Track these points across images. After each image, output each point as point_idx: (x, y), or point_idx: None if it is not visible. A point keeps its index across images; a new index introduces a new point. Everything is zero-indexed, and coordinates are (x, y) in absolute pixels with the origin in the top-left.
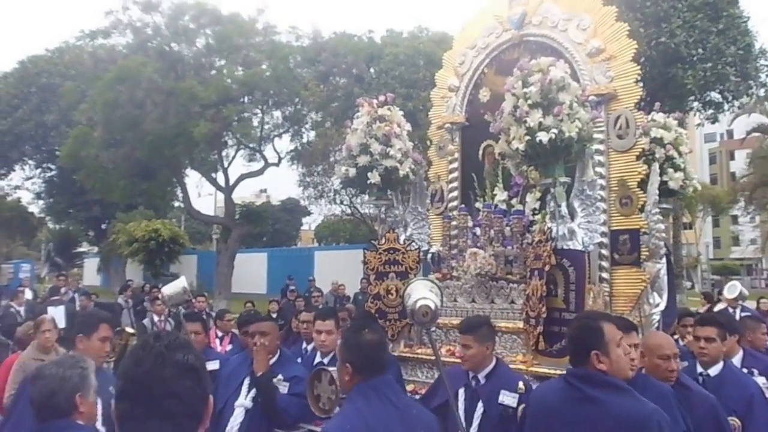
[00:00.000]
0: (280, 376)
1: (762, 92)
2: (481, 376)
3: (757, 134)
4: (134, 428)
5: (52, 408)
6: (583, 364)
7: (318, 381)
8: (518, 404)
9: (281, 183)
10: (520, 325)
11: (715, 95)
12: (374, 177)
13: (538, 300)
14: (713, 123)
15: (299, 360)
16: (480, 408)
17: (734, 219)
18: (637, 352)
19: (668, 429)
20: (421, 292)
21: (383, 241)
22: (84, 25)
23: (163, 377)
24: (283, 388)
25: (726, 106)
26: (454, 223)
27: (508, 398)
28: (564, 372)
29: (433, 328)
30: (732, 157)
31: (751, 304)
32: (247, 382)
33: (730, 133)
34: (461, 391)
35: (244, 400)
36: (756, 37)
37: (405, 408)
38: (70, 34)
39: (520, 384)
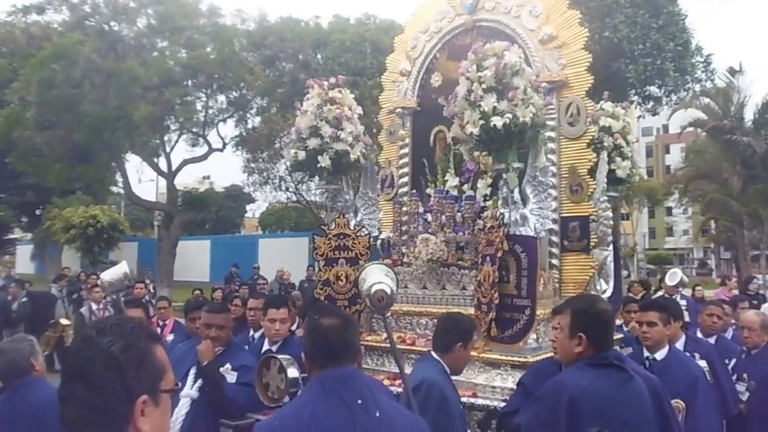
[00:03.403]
0: (228, 365)
1: (698, 88)
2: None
3: (692, 129)
4: (60, 411)
5: (16, 371)
6: (611, 346)
7: (266, 369)
8: None
9: (225, 169)
10: (472, 311)
11: (654, 89)
12: (324, 161)
13: (490, 286)
14: (653, 116)
15: (246, 348)
16: None
17: (669, 210)
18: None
19: None
20: (377, 277)
21: (333, 226)
22: (16, 0)
23: (79, 358)
24: (231, 377)
25: (664, 101)
26: (405, 208)
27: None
28: (533, 359)
29: (388, 314)
30: (668, 151)
31: (686, 292)
32: (193, 371)
33: (666, 128)
34: None
35: (190, 390)
36: (693, 34)
37: (361, 409)
38: (1, 9)
39: None
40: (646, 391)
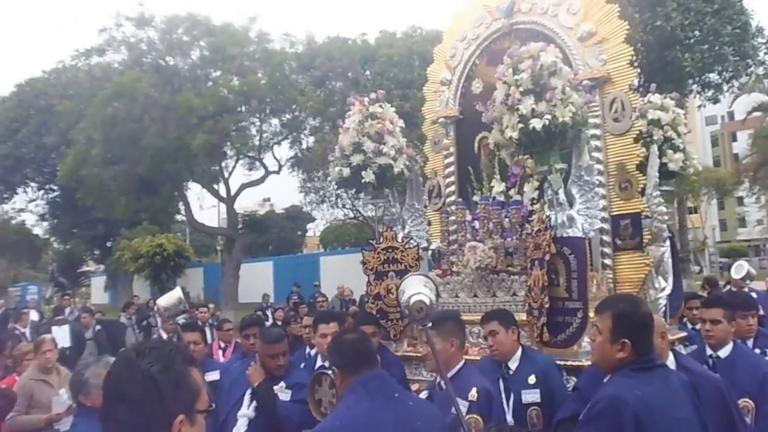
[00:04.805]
0: (282, 384)
1: (761, 70)
2: (443, 382)
3: (758, 114)
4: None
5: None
6: (653, 349)
7: (318, 385)
8: (466, 413)
9: (284, 190)
10: (524, 317)
11: (714, 77)
12: (368, 176)
13: (540, 290)
14: (714, 104)
15: (302, 365)
16: None
17: (739, 200)
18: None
19: None
20: (416, 288)
21: (381, 240)
22: (79, 44)
23: (119, 380)
24: (286, 396)
25: (725, 87)
26: (452, 218)
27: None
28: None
29: (430, 324)
30: (734, 139)
31: (760, 285)
32: (249, 392)
33: (731, 115)
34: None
35: (247, 410)
36: (752, 16)
37: (399, 401)
38: (65, 54)
39: (473, 391)
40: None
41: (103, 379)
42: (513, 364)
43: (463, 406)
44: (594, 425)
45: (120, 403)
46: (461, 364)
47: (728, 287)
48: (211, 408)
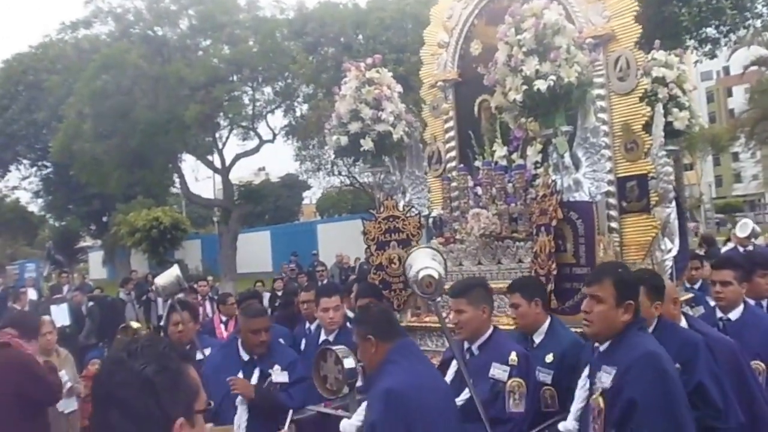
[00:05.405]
0: (277, 367)
1: (759, 23)
2: (474, 347)
3: (755, 68)
4: None
5: None
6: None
7: (323, 361)
8: (508, 377)
9: (279, 159)
10: None
11: (710, 31)
12: (367, 143)
13: (546, 257)
14: (711, 59)
15: (303, 341)
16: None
17: (735, 156)
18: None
19: None
20: (423, 261)
21: (382, 209)
22: (65, 17)
23: (111, 384)
24: (284, 377)
25: (722, 41)
26: (453, 184)
27: (498, 371)
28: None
29: (438, 298)
30: (730, 94)
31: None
32: (241, 375)
33: (726, 70)
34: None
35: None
36: None
37: (432, 363)
38: (51, 28)
39: (513, 355)
40: None
41: (92, 383)
42: (537, 338)
43: (503, 370)
44: (664, 380)
45: (113, 408)
46: (491, 330)
47: (728, 245)
48: (210, 406)
